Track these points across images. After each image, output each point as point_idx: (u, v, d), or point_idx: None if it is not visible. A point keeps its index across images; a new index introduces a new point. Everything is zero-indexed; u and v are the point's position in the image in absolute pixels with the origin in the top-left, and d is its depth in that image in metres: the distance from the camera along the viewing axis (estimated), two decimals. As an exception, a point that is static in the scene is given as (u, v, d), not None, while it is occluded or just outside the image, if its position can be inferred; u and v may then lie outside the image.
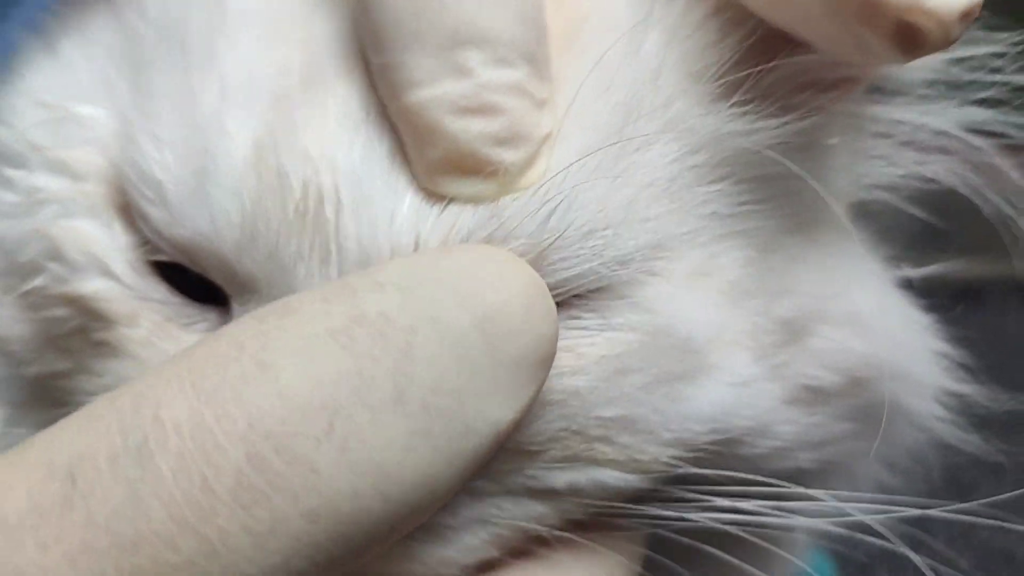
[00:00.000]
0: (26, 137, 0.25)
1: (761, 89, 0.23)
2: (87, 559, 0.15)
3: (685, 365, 0.22)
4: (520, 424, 0.19)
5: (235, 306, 0.22)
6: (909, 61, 0.21)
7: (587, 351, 0.22)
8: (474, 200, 0.21)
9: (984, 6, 0.22)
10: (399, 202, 0.21)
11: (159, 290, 0.24)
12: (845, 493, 0.26)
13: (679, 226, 0.23)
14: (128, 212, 0.24)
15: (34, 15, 0.27)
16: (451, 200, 0.21)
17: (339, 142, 0.21)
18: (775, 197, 0.24)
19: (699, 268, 0.23)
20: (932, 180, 0.27)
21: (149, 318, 0.24)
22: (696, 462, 0.23)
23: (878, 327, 0.26)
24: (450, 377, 0.18)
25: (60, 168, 0.24)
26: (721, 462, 0.23)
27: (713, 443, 0.23)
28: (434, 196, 0.21)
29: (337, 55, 0.22)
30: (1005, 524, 0.25)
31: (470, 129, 0.20)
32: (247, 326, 0.18)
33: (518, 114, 0.20)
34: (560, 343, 0.21)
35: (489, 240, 0.21)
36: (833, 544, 0.29)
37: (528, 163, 0.21)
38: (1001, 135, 0.26)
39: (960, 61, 0.25)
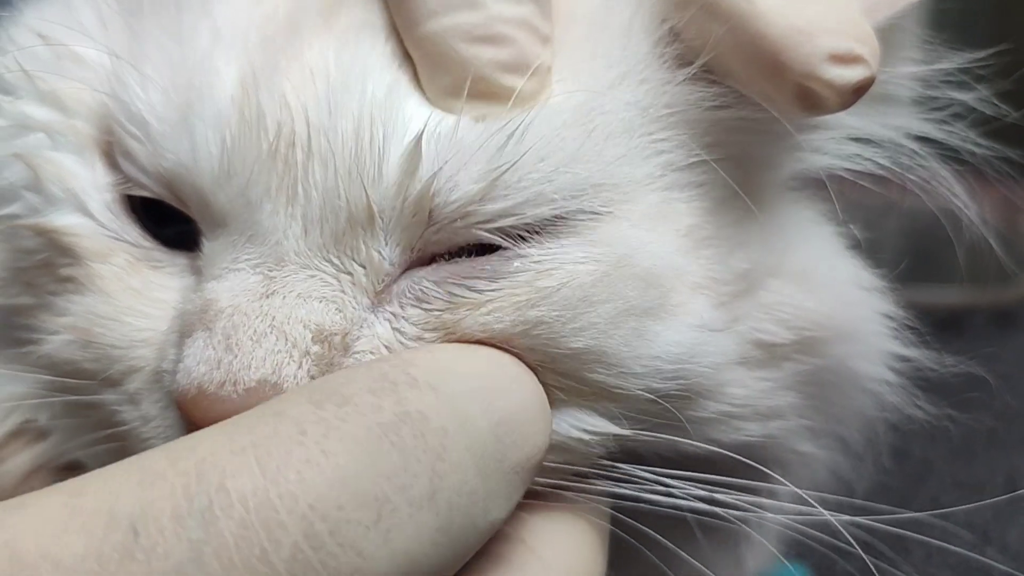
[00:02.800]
0: (22, 67, 0.26)
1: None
2: None
3: (649, 299, 0.23)
4: None
5: (204, 241, 0.24)
6: (810, 116, 0.23)
7: (545, 283, 0.22)
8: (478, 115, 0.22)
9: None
10: (363, 152, 0.22)
11: (132, 232, 0.25)
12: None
13: (635, 169, 0.24)
14: (111, 154, 0.25)
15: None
16: (417, 144, 0.22)
17: (311, 94, 0.23)
18: (729, 158, 0.25)
19: (656, 211, 0.24)
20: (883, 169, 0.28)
21: (120, 256, 0.25)
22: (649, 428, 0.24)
23: (828, 285, 0.27)
24: (470, 479, 0.19)
25: (52, 100, 0.25)
26: (671, 434, 0.24)
27: (676, 388, 0.23)
28: (400, 119, 0.22)
29: (317, 9, 0.24)
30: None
31: (481, 56, 0.22)
32: (307, 410, 0.19)
33: (525, 45, 0.22)
34: (517, 278, 0.22)
35: (445, 166, 0.22)
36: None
37: (531, 92, 0.23)
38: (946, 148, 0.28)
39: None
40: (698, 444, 0.25)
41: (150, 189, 0.24)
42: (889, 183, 0.29)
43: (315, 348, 0.22)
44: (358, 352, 0.23)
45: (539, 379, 0.22)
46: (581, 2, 0.25)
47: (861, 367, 0.28)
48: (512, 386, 0.21)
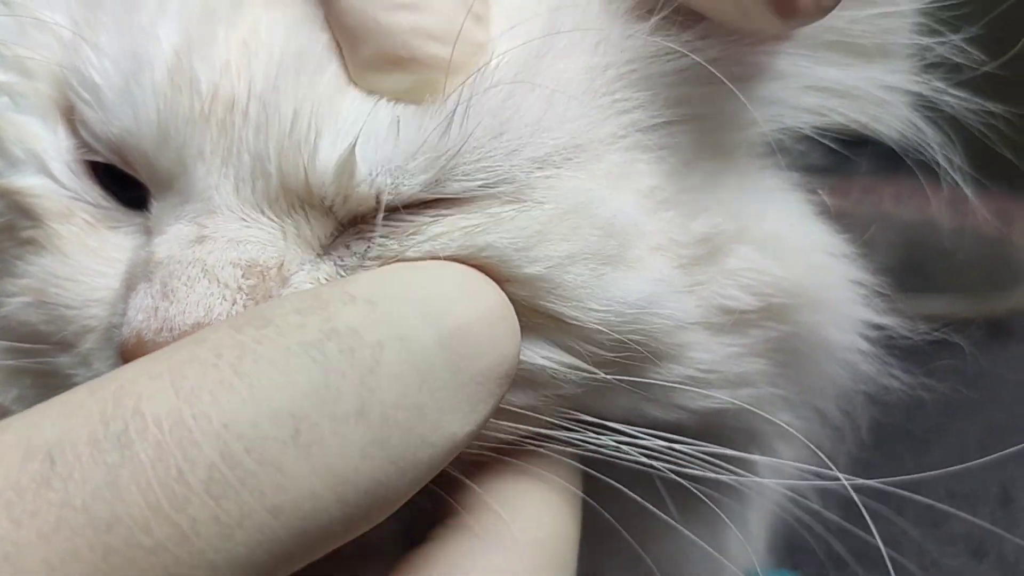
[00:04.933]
0: None
1: (679, 18, 0.24)
2: (61, 537, 0.16)
3: (608, 247, 0.23)
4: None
5: (153, 202, 0.24)
6: (789, 26, 0.22)
7: (499, 210, 0.22)
8: (401, 96, 0.22)
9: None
10: (299, 122, 0.22)
11: (92, 192, 0.25)
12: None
13: (598, 129, 0.24)
14: (71, 118, 0.25)
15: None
16: (352, 122, 0.22)
17: (255, 65, 0.23)
18: (694, 119, 0.25)
19: (618, 170, 0.24)
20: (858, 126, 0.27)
21: (80, 216, 0.25)
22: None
23: (795, 251, 0.26)
24: (412, 392, 0.19)
25: (16, 65, 0.26)
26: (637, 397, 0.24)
27: (635, 333, 0.23)
28: (336, 118, 0.22)
29: None
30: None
31: (402, 22, 0.22)
32: (225, 335, 0.19)
33: (448, 12, 0.22)
34: (472, 210, 0.22)
35: (388, 158, 0.22)
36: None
37: (457, 66, 0.22)
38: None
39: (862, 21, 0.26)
40: (666, 406, 0.24)
41: (103, 155, 0.24)
42: (879, 192, 0.29)
43: (248, 283, 0.22)
44: (297, 283, 0.22)
45: None
46: None
47: (832, 335, 0.28)
48: (465, 295, 0.21)
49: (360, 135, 0.22)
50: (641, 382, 0.24)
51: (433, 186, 0.22)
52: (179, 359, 0.18)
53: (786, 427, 0.27)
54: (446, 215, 0.22)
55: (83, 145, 0.25)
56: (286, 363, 0.18)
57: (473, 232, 0.22)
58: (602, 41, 0.24)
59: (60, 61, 0.25)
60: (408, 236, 0.22)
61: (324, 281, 0.22)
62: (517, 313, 0.22)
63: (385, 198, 0.22)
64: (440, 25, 0.22)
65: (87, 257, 0.24)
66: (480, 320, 0.20)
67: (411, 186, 0.22)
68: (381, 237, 0.22)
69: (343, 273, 0.23)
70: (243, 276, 0.22)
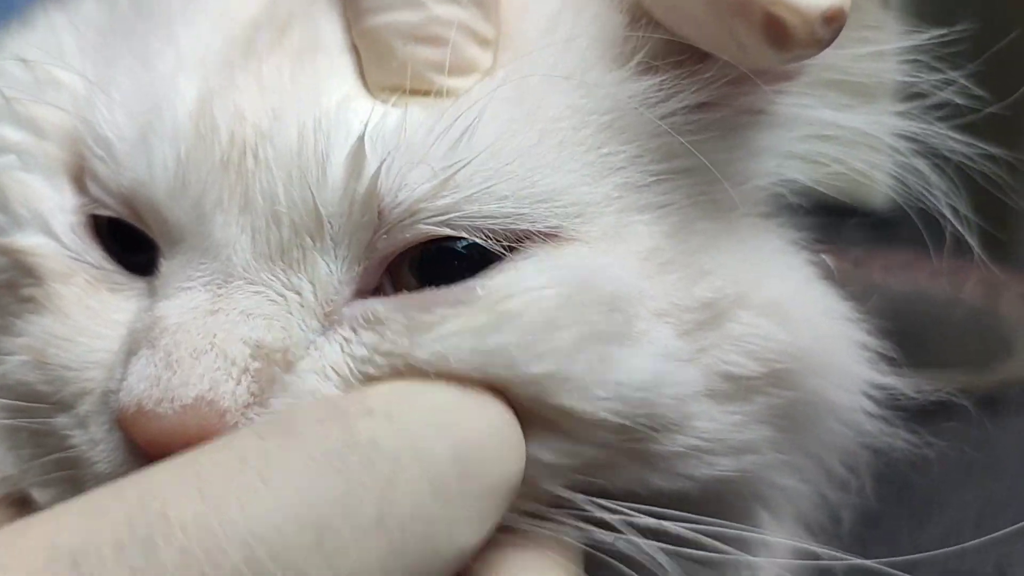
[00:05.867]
0: (2, 92, 0.26)
1: (665, 63, 0.24)
2: None
3: (613, 324, 0.23)
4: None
5: (162, 260, 0.24)
6: (784, 59, 0.22)
7: (507, 307, 0.22)
8: (410, 104, 0.23)
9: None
10: (306, 156, 0.22)
11: (94, 254, 0.25)
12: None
13: (592, 190, 0.24)
14: (80, 178, 0.25)
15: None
16: (360, 143, 0.22)
17: (264, 105, 0.23)
18: (687, 172, 0.25)
19: (614, 232, 0.24)
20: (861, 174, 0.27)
21: (81, 277, 0.25)
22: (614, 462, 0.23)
23: (799, 316, 0.26)
24: (427, 504, 0.19)
25: (27, 123, 0.26)
26: (639, 468, 0.23)
27: (641, 416, 0.23)
28: (345, 124, 0.23)
29: (271, 27, 0.25)
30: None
31: (417, 55, 0.23)
32: (250, 441, 0.19)
33: (461, 47, 0.23)
34: (477, 304, 0.22)
35: (393, 162, 0.22)
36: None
37: (465, 90, 0.23)
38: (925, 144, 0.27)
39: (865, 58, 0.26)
40: (669, 475, 0.24)
41: (112, 208, 0.25)
42: (869, 262, 0.29)
43: (255, 365, 0.22)
44: (302, 371, 0.22)
45: None
46: None
47: (838, 397, 0.27)
48: (475, 412, 0.21)
49: (367, 130, 0.22)
50: (644, 453, 0.24)
51: (431, 199, 0.22)
52: (204, 464, 0.19)
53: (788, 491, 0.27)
54: (453, 315, 0.22)
55: (92, 201, 0.25)
56: (310, 472, 0.19)
57: (483, 331, 0.22)
58: (582, 85, 0.24)
59: (73, 117, 0.25)
60: (419, 334, 0.22)
61: (331, 371, 0.22)
62: (520, 413, 0.22)
63: (387, 202, 0.22)
64: (452, 59, 0.23)
65: (87, 318, 0.24)
66: (489, 436, 0.21)
67: (413, 193, 0.22)
68: (392, 333, 0.22)
69: (351, 363, 0.22)
70: (251, 356, 0.22)
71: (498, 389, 0.22)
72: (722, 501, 0.25)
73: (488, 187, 0.23)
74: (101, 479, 0.23)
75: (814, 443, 0.28)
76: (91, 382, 0.24)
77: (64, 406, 0.24)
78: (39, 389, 0.24)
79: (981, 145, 0.27)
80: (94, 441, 0.23)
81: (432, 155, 0.22)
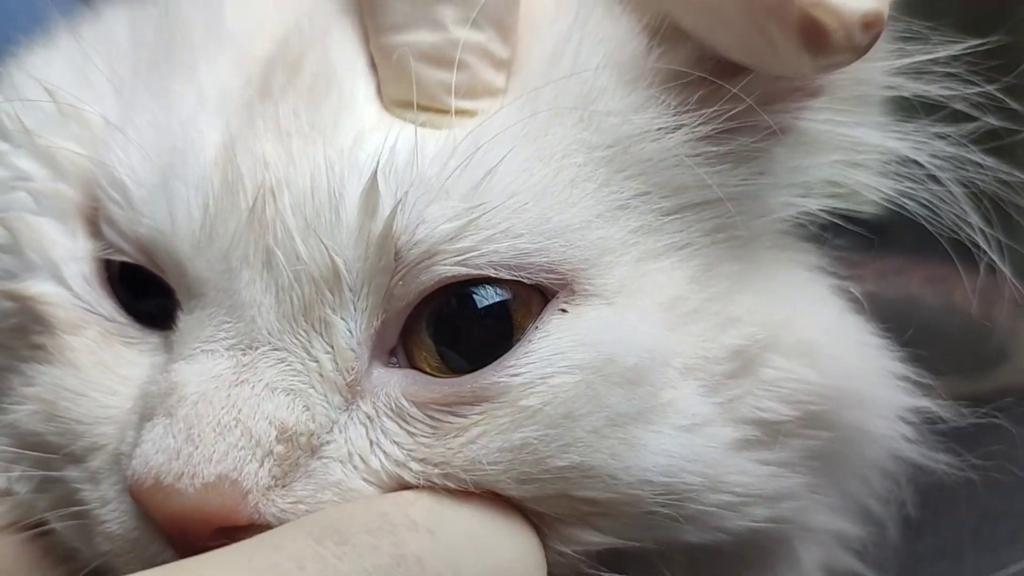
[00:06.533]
0: (20, 117, 0.25)
1: (679, 96, 0.23)
2: None
3: (635, 403, 0.22)
4: None
5: (180, 314, 0.23)
6: (820, 65, 0.21)
7: (527, 402, 0.22)
8: (427, 126, 0.23)
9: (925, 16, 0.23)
10: (320, 200, 0.22)
11: (106, 305, 0.24)
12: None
13: (606, 234, 0.23)
14: (95, 221, 0.24)
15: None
16: (373, 180, 0.22)
17: (283, 151, 0.22)
18: (705, 206, 0.24)
19: (634, 283, 0.23)
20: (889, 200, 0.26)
21: (93, 329, 0.24)
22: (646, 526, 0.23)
23: (831, 354, 0.25)
24: None
25: (45, 157, 0.25)
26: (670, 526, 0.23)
27: (668, 499, 0.22)
28: (356, 161, 0.22)
29: (283, 65, 0.24)
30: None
31: (432, 77, 0.23)
32: (305, 544, 0.20)
33: (477, 71, 0.23)
34: (499, 400, 0.21)
35: (407, 199, 0.21)
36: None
37: (480, 111, 0.23)
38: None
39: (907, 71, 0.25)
40: (703, 530, 0.23)
41: (128, 254, 0.24)
42: (863, 271, 0.28)
43: (279, 448, 0.21)
44: (326, 457, 0.22)
45: (528, 505, 0.22)
46: (547, 13, 0.24)
47: (875, 426, 0.27)
48: (507, 537, 0.22)
49: (379, 167, 0.22)
50: (675, 513, 0.23)
51: (451, 240, 0.22)
52: (259, 565, 0.19)
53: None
54: (478, 414, 0.22)
55: (106, 245, 0.24)
56: None
57: (507, 429, 0.21)
58: (593, 115, 0.23)
59: (90, 156, 0.24)
60: (450, 438, 0.22)
61: (358, 460, 0.22)
62: (544, 508, 0.22)
63: (403, 242, 0.21)
64: (467, 82, 0.23)
65: (99, 372, 0.24)
66: (517, 562, 0.21)
67: (433, 233, 0.21)
68: (424, 436, 0.22)
69: (382, 460, 0.22)
70: (276, 438, 0.21)
71: (522, 498, 0.22)
72: (756, 547, 0.25)
73: (506, 228, 0.22)
74: (112, 539, 0.23)
75: (851, 480, 0.27)
76: (102, 437, 0.23)
77: (75, 459, 0.24)
78: (50, 440, 0.24)
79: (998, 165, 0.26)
80: (105, 500, 0.23)
81: (450, 191, 0.22)
